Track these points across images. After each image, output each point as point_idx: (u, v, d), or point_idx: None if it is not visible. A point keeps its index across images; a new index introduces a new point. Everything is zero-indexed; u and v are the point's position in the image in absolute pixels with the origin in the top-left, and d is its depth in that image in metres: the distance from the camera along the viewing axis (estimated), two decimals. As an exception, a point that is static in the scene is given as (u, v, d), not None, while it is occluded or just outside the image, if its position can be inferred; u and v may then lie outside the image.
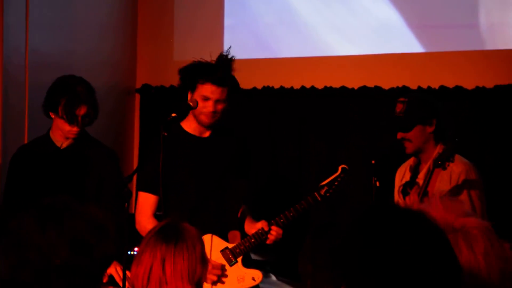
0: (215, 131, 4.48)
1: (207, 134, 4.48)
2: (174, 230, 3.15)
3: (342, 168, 4.45)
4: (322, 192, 4.41)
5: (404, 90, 5.88)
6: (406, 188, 4.43)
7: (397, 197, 4.60)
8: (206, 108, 4.35)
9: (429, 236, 1.68)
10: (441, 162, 4.23)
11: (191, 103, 4.35)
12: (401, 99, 4.52)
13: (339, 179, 4.43)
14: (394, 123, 4.51)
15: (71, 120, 4.54)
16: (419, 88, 5.88)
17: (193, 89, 4.35)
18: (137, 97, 6.96)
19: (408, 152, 4.53)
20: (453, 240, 1.95)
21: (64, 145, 4.66)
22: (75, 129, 4.55)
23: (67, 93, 4.54)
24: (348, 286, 1.66)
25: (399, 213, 1.72)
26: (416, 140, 4.48)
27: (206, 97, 4.32)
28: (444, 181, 4.43)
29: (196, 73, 4.34)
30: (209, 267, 4.20)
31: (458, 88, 5.82)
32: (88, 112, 4.54)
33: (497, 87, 5.70)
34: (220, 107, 4.36)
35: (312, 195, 4.42)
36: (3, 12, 5.62)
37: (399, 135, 4.50)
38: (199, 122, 4.42)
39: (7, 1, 5.66)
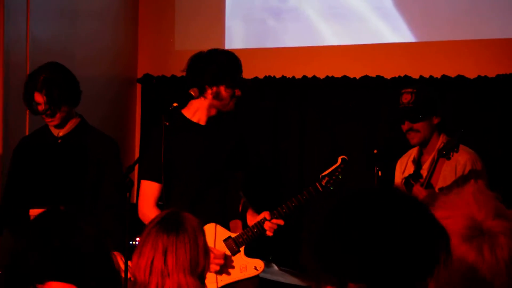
0: (216, 119, 4.49)
1: (209, 122, 4.49)
2: (176, 220, 3.12)
3: (342, 159, 4.47)
4: (324, 182, 4.43)
5: (406, 80, 5.87)
6: (409, 180, 4.42)
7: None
8: (232, 102, 4.44)
9: (408, 213, 1.66)
10: (445, 152, 4.23)
11: (192, 93, 4.36)
12: (408, 89, 4.51)
13: (339, 169, 4.45)
14: (402, 113, 4.50)
15: (29, 107, 4.55)
16: (421, 77, 5.87)
17: (227, 85, 4.41)
18: (138, 86, 6.95)
19: (414, 143, 4.52)
20: (478, 245, 1.92)
21: (61, 134, 4.65)
22: (47, 119, 4.55)
23: (26, 82, 4.56)
24: (327, 267, 1.65)
25: (376, 193, 1.71)
26: (424, 130, 4.48)
27: (238, 96, 4.44)
28: (448, 171, 4.42)
29: (234, 69, 4.44)
30: (212, 257, 4.20)
31: (460, 77, 5.81)
32: (46, 100, 4.47)
33: (499, 76, 5.69)
34: None
35: (313, 185, 4.44)
36: (4, 1, 5.61)
37: (407, 125, 4.49)
38: (220, 110, 4.46)
39: (8, -10, 5.65)
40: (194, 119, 4.48)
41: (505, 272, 1.92)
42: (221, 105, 4.44)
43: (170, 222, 3.11)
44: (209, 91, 4.39)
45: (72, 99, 4.59)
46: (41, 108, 4.51)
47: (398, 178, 4.69)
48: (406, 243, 1.61)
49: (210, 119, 4.48)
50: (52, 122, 4.58)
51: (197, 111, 4.48)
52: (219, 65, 4.40)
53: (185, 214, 3.18)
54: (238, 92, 4.45)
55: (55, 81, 4.50)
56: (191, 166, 4.43)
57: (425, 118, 4.47)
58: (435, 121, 4.49)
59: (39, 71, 4.54)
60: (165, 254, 3.04)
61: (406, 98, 4.48)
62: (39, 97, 4.49)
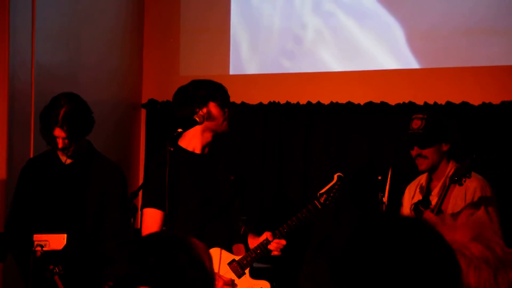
0: (210, 148, 4.51)
1: (205, 150, 4.50)
2: None
3: (338, 176, 4.54)
4: (322, 200, 4.49)
5: (410, 106, 5.87)
6: (418, 206, 4.41)
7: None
8: (226, 122, 4.46)
9: (432, 245, 1.66)
10: (457, 178, 4.21)
11: (197, 119, 4.37)
12: (419, 115, 4.52)
13: (336, 186, 4.51)
14: (411, 139, 4.50)
15: (48, 142, 4.52)
16: (426, 103, 5.87)
17: (214, 100, 4.43)
18: (143, 112, 6.96)
19: (422, 169, 4.52)
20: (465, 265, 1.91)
21: (69, 161, 4.65)
22: (63, 150, 4.54)
23: (46, 115, 4.51)
24: None
25: (400, 222, 1.70)
26: (432, 157, 4.48)
27: (229, 116, 4.47)
28: (459, 197, 4.41)
29: (220, 90, 4.49)
30: (221, 283, 4.22)
31: (464, 104, 5.80)
32: (67, 135, 4.45)
33: (503, 103, 5.69)
34: None
35: (312, 203, 4.49)
36: (9, 26, 5.64)
37: (416, 150, 4.49)
38: (215, 133, 4.47)
39: (14, 15, 5.68)
40: (190, 148, 4.48)
41: None
42: (215, 125, 4.44)
43: None
44: (201, 113, 4.40)
45: (89, 131, 4.60)
46: (60, 141, 4.47)
47: (407, 204, 4.68)
48: (431, 276, 1.60)
49: (205, 147, 4.48)
50: (67, 154, 4.57)
51: (192, 139, 4.47)
52: (204, 87, 4.45)
53: (191, 239, 3.18)
54: (228, 112, 4.46)
55: (76, 116, 4.47)
56: (192, 196, 4.42)
57: (434, 145, 4.47)
58: (445, 148, 4.49)
59: (58, 104, 4.48)
60: None
61: (416, 123, 4.49)
62: (59, 132, 4.45)
